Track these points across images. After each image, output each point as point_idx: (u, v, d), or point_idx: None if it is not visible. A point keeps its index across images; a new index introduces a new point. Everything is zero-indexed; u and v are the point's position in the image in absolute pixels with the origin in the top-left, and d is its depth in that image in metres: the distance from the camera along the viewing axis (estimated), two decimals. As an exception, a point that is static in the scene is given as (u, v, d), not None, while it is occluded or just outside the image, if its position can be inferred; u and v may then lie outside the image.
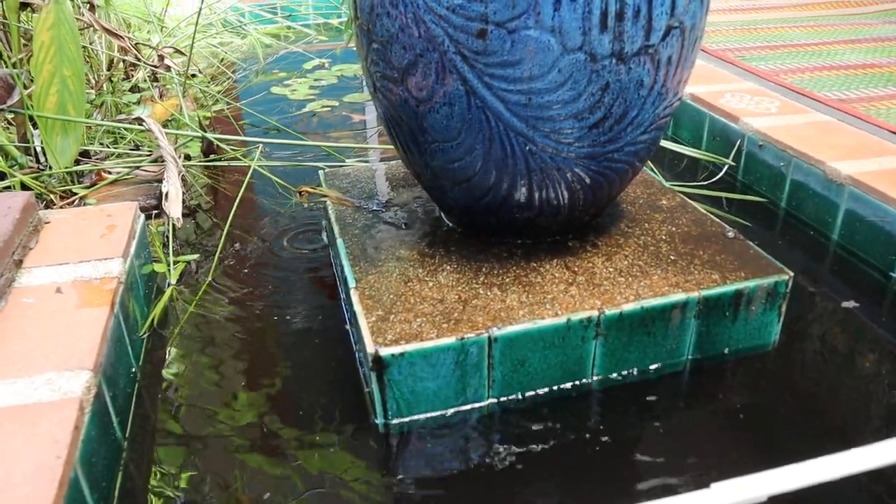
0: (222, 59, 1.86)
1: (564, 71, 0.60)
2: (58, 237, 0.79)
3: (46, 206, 0.98)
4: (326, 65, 1.81)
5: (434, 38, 0.60)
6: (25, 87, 1.02)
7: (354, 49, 2.00)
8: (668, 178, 1.14)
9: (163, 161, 1.07)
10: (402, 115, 0.68)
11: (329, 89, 1.63)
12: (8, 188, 0.97)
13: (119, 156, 1.14)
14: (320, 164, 1.09)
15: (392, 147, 1.23)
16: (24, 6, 1.16)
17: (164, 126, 1.23)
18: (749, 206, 1.09)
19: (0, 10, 1.18)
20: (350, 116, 1.46)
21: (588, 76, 0.60)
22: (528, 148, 0.64)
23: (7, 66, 1.15)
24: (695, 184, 1.12)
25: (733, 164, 1.17)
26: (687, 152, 1.21)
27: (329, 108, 1.50)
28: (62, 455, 0.49)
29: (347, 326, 0.77)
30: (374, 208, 0.84)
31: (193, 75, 1.56)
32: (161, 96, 1.41)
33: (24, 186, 0.97)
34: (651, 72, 0.63)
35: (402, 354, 0.61)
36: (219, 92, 1.60)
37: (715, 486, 0.47)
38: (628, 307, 0.68)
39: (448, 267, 0.73)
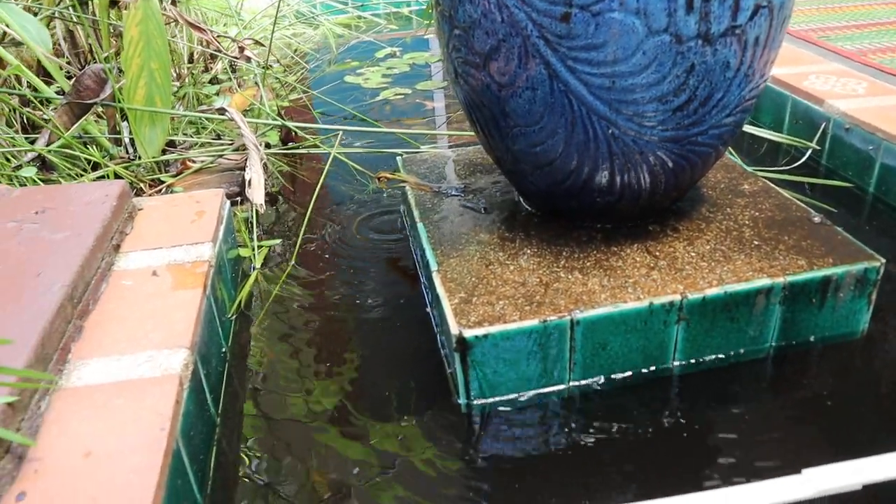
0: (296, 50, 1.90)
1: (649, 53, 0.59)
2: (151, 223, 0.82)
3: (137, 194, 1.02)
4: (398, 53, 1.83)
5: (517, 22, 0.60)
6: (116, 81, 1.07)
7: (424, 37, 2.01)
8: (747, 162, 1.11)
9: (245, 149, 1.11)
10: (484, 99, 0.68)
11: (401, 77, 1.65)
12: (102, 177, 1.02)
13: (202, 145, 1.18)
14: (396, 151, 1.11)
15: (466, 133, 1.25)
16: (112, 4, 1.21)
17: (243, 115, 1.27)
18: (834, 191, 1.05)
19: (91, 8, 1.24)
20: (423, 104, 1.48)
21: (673, 58, 0.60)
22: (610, 131, 0.64)
23: (99, 62, 1.20)
24: (776, 168, 1.09)
25: (817, 147, 1.13)
26: (768, 136, 1.18)
27: (402, 96, 1.51)
28: (166, 427, 0.52)
29: (428, 310, 0.78)
30: (453, 193, 0.85)
31: (269, 66, 1.60)
32: (239, 87, 1.45)
33: (117, 176, 1.01)
34: (738, 53, 0.62)
35: (485, 336, 0.62)
36: (294, 81, 1.64)
37: (806, 471, 0.47)
38: (711, 292, 0.67)
39: (528, 251, 0.73)
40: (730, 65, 0.62)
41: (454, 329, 0.62)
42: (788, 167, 1.11)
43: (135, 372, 0.58)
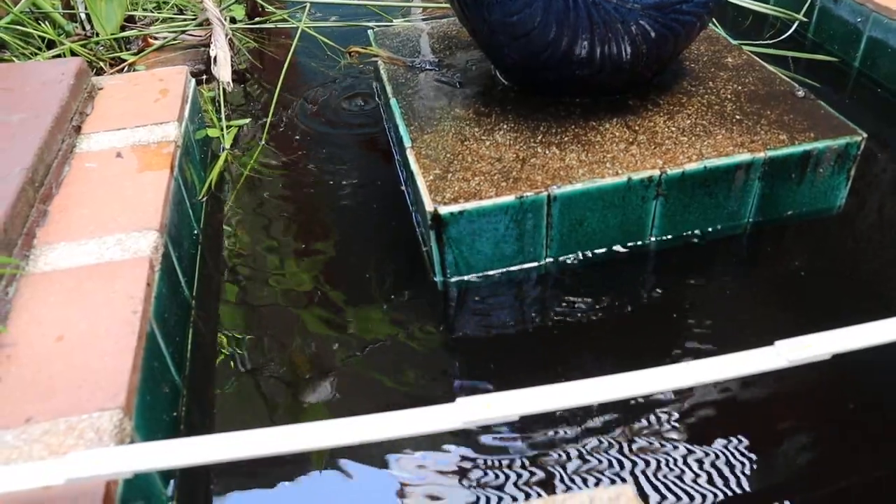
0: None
1: None
2: (112, 103, 0.79)
3: (97, 74, 0.97)
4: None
5: None
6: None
7: None
8: (732, 35, 1.08)
9: (209, 25, 1.05)
10: (458, -36, 0.64)
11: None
12: (58, 56, 0.96)
13: (164, 21, 1.12)
14: (368, 24, 1.05)
15: (440, 6, 1.19)
16: None
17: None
18: (819, 65, 1.03)
19: None
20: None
21: (660, -85, 0.56)
22: (591, -2, 0.61)
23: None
24: (761, 42, 1.06)
25: (804, 20, 1.09)
26: (754, 7, 1.13)
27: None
28: (138, 310, 0.51)
29: (402, 187, 0.77)
30: (427, 68, 0.82)
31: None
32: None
33: (74, 54, 0.96)
34: None
35: (461, 213, 0.61)
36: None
37: (779, 343, 0.47)
38: (691, 167, 0.66)
39: (505, 126, 0.71)
40: (719, -77, 0.59)
41: (429, 206, 0.61)
42: (774, 40, 1.08)
43: (103, 255, 0.56)
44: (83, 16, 1.05)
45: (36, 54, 0.96)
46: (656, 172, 0.65)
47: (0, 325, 0.50)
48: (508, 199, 0.62)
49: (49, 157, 0.66)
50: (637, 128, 0.70)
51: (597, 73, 0.69)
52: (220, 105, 0.92)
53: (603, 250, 0.69)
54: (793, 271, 0.68)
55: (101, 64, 0.99)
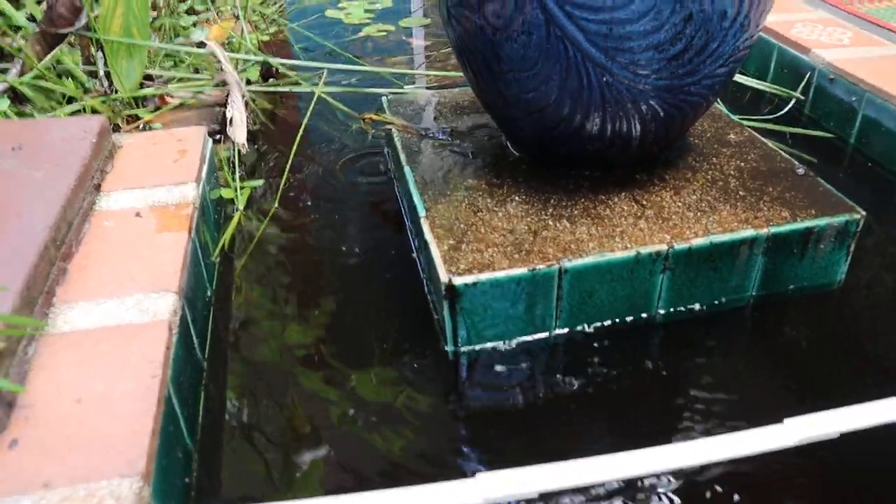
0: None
1: (648, 1, 0.58)
2: (132, 161, 0.80)
3: (114, 130, 0.99)
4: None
5: (514, -36, 0.59)
6: (91, 10, 1.02)
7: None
8: (731, 110, 1.11)
9: (225, 85, 1.08)
10: (477, 43, 0.67)
11: (384, 13, 1.60)
12: (77, 111, 0.99)
13: (180, 80, 1.15)
14: (380, 91, 1.08)
15: (451, 74, 1.22)
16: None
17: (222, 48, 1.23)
18: (815, 141, 1.06)
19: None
20: (406, 41, 1.44)
21: (672, 6, 0.59)
22: (605, 79, 0.63)
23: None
24: (759, 117, 1.09)
25: (801, 97, 1.13)
26: (753, 84, 1.17)
27: (385, 33, 1.48)
28: (157, 374, 0.52)
29: (413, 255, 0.78)
30: (440, 137, 0.84)
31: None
32: (217, 17, 1.40)
33: (93, 110, 0.98)
34: (735, 2, 0.61)
35: (474, 283, 0.62)
36: (272, 14, 1.59)
37: (788, 421, 0.48)
38: (697, 242, 0.68)
39: (517, 197, 0.73)
40: (727, 14, 0.62)
41: (444, 276, 0.62)
42: (772, 116, 1.11)
43: (123, 316, 0.57)
44: (103, 72, 1.07)
45: (56, 108, 0.99)
46: (664, 247, 0.67)
47: (18, 385, 0.50)
48: (521, 271, 0.63)
49: (70, 215, 0.67)
50: (645, 202, 0.72)
51: (607, 148, 0.71)
52: (234, 165, 0.94)
53: (610, 322, 0.70)
54: (795, 345, 0.70)
55: (119, 120, 1.02)
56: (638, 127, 0.68)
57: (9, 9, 1.03)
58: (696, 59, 0.63)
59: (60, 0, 0.99)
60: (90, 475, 0.44)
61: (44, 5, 1.13)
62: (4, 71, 1.01)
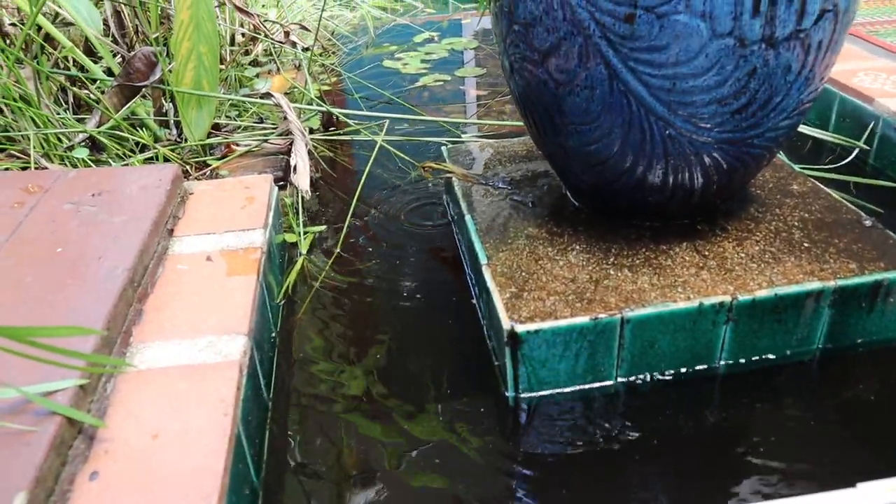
0: (333, 32, 1.90)
1: (712, 56, 0.59)
2: (202, 207, 0.84)
3: (184, 176, 1.03)
4: (436, 38, 1.83)
5: (579, 21, 0.60)
6: (165, 65, 1.08)
7: (463, 21, 2.00)
8: (792, 160, 1.10)
9: (289, 134, 1.12)
10: (540, 96, 0.68)
11: (440, 63, 1.65)
12: (150, 159, 1.03)
13: (245, 128, 1.19)
14: (437, 140, 1.11)
15: (507, 123, 1.25)
16: (163, -15, 1.22)
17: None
18: (881, 191, 1.04)
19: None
20: (462, 91, 1.48)
21: (735, 61, 0.60)
22: (667, 132, 0.64)
23: (150, 44, 1.21)
24: (822, 167, 1.08)
25: (866, 147, 1.12)
26: (818, 135, 1.17)
27: (441, 83, 1.52)
28: (229, 413, 0.53)
29: (473, 301, 0.79)
30: (500, 186, 0.86)
31: (307, 49, 1.61)
32: (279, 69, 1.46)
33: (165, 158, 1.03)
34: (800, 57, 0.62)
35: (536, 332, 0.63)
36: (332, 64, 1.65)
37: (861, 486, 0.47)
38: (761, 294, 0.67)
39: (577, 247, 0.73)
40: (791, 68, 0.62)
41: (506, 324, 0.63)
42: (834, 165, 1.10)
43: (196, 357, 0.59)
44: (173, 122, 1.13)
45: (129, 156, 1.03)
46: (727, 298, 0.66)
47: (99, 420, 0.52)
48: (583, 319, 0.63)
49: (146, 259, 0.70)
50: (707, 253, 0.72)
51: (668, 199, 0.71)
52: (298, 211, 0.97)
53: (672, 372, 0.69)
54: (865, 401, 0.68)
55: (188, 167, 1.06)
56: (700, 178, 0.69)
57: (89, 63, 1.09)
58: (759, 112, 0.64)
59: (137, 55, 1.04)
60: (166, 511, 0.46)
61: (119, 58, 1.20)
62: (82, 120, 1.07)
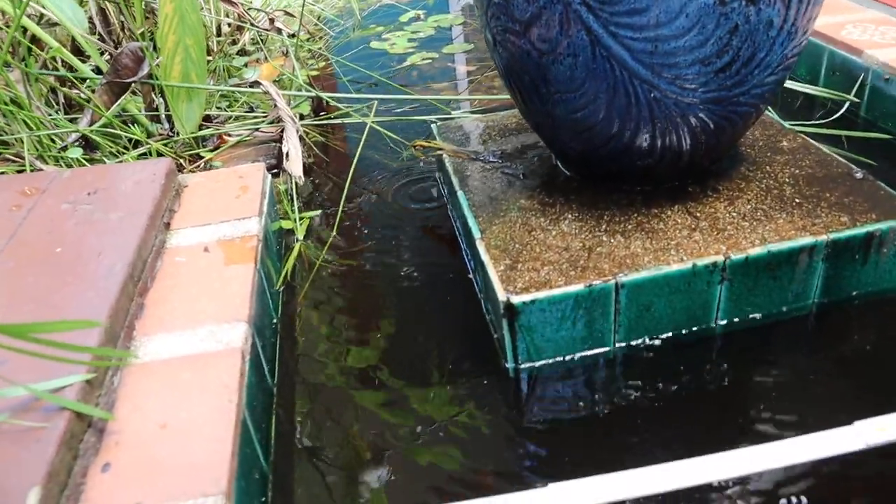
0: (319, 17, 1.89)
1: (692, 16, 0.59)
2: (197, 199, 0.84)
3: (178, 169, 1.04)
4: (422, 17, 1.82)
5: (557, -11, 0.60)
6: (152, 59, 1.08)
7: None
8: (783, 116, 1.10)
9: (280, 122, 1.12)
10: (524, 66, 0.68)
11: (427, 41, 1.64)
12: (144, 155, 1.04)
13: (236, 118, 1.19)
14: (428, 118, 1.11)
15: (496, 97, 1.25)
16: (144, -21, 1.21)
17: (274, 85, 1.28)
18: (873, 144, 1.04)
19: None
20: (450, 67, 1.47)
21: (716, 20, 0.60)
22: (652, 95, 0.64)
23: (136, 39, 1.21)
24: (813, 122, 1.08)
25: (856, 100, 1.12)
26: (805, 90, 1.16)
27: (429, 61, 1.51)
28: (234, 399, 0.54)
29: (470, 275, 0.80)
30: (491, 160, 0.86)
31: (293, 35, 1.60)
32: (266, 57, 1.46)
33: (158, 153, 1.03)
34: (781, 11, 0.62)
35: (532, 302, 0.63)
36: (319, 49, 1.64)
37: (858, 423, 0.48)
38: (754, 251, 0.67)
39: (569, 215, 0.74)
40: (773, 23, 0.62)
41: (502, 296, 0.64)
42: (825, 120, 1.10)
43: (198, 346, 0.60)
44: (164, 116, 1.13)
45: (123, 153, 1.04)
46: (720, 258, 0.67)
47: (108, 413, 0.53)
48: (578, 287, 0.64)
49: (145, 253, 0.71)
50: (698, 214, 0.73)
51: (657, 162, 0.72)
52: (292, 198, 0.97)
53: (669, 334, 0.70)
54: (862, 351, 0.69)
55: (182, 160, 1.06)
56: (688, 140, 0.69)
57: (77, 63, 1.09)
58: (743, 70, 0.64)
59: (125, 51, 1.04)
60: (178, 495, 0.47)
61: (106, 55, 1.20)
62: (74, 120, 1.07)
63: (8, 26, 1.12)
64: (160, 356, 0.60)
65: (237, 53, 1.49)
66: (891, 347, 0.69)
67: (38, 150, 1.01)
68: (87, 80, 1.16)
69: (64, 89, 1.12)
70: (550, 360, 0.68)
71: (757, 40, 0.62)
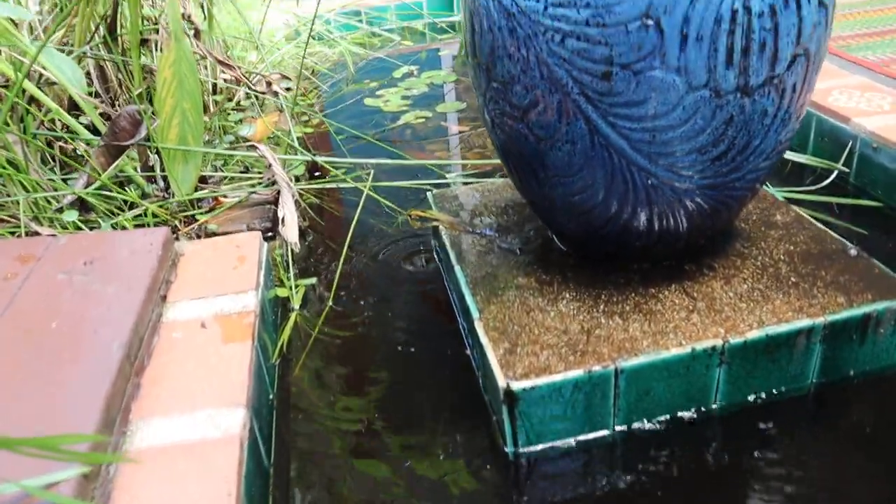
0: (314, 71, 1.91)
1: (689, 108, 0.60)
2: (193, 269, 0.84)
3: (172, 232, 1.04)
4: (415, 73, 1.84)
5: (557, 79, 0.61)
6: (150, 122, 1.09)
7: (439, 54, 2.02)
8: (775, 182, 1.12)
9: (275, 183, 1.12)
10: (522, 150, 0.69)
11: (421, 99, 1.66)
12: (139, 216, 1.04)
13: (231, 179, 1.20)
14: (424, 183, 1.12)
15: (491, 161, 1.26)
16: (143, 42, 1.22)
17: (267, 140, 1.29)
18: (864, 211, 1.06)
19: (120, 45, 1.26)
20: (444, 126, 1.49)
21: (712, 111, 0.61)
22: (649, 181, 0.65)
23: (131, 97, 1.22)
24: (803, 189, 1.10)
25: (845, 169, 1.13)
26: (795, 158, 1.18)
27: (423, 120, 1.53)
28: (232, 492, 0.54)
29: (468, 351, 0.80)
30: (487, 233, 0.86)
31: (288, 89, 1.62)
32: (261, 111, 1.47)
33: (154, 215, 1.03)
34: (775, 100, 0.63)
35: (532, 388, 0.63)
36: (313, 104, 1.66)
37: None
38: (752, 335, 0.68)
39: (567, 295, 0.74)
40: (767, 112, 0.63)
41: (502, 382, 0.63)
42: (816, 186, 1.11)
43: (196, 433, 0.59)
44: (160, 177, 1.13)
45: (118, 213, 1.04)
46: (719, 342, 0.67)
47: (102, 509, 0.52)
48: (577, 373, 0.64)
49: (142, 330, 0.70)
50: (696, 294, 0.73)
51: (655, 243, 0.72)
52: (288, 265, 0.97)
53: (668, 416, 0.70)
54: (860, 432, 0.69)
55: (177, 222, 1.06)
56: (684, 222, 0.70)
57: (75, 125, 1.10)
58: (738, 157, 0.65)
59: (122, 114, 1.05)
60: None
61: (102, 110, 1.20)
62: (69, 180, 1.07)
63: (5, 86, 1.12)
64: (158, 442, 0.59)
65: (233, 109, 1.50)
66: (889, 426, 0.69)
67: (33, 211, 1.01)
68: (78, 135, 1.16)
69: (59, 154, 1.12)
70: (551, 444, 0.68)
71: (752, 129, 0.63)
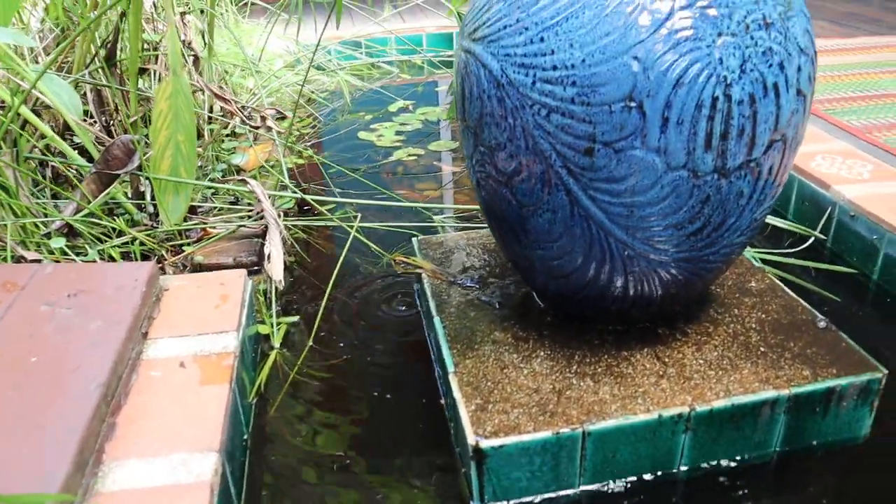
0: (310, 100, 1.94)
1: (667, 186, 0.62)
2: (177, 306, 0.85)
3: (158, 261, 1.05)
4: (410, 107, 1.87)
5: (541, 151, 0.63)
6: (143, 152, 1.10)
7: (436, 89, 2.05)
8: (754, 243, 1.14)
9: (263, 217, 1.14)
10: (504, 212, 0.71)
11: (414, 135, 1.68)
12: (126, 244, 1.05)
13: (220, 209, 1.21)
14: (411, 227, 1.14)
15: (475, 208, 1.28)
16: (142, 71, 1.24)
17: (259, 168, 1.31)
18: (839, 277, 1.08)
19: (119, 72, 1.27)
20: (436, 166, 1.51)
21: (690, 190, 0.63)
22: (626, 252, 0.67)
23: (125, 123, 1.23)
24: (781, 251, 1.12)
25: (822, 236, 1.16)
26: (775, 223, 1.21)
27: (415, 157, 1.55)
28: (199, 542, 0.54)
29: (442, 400, 0.81)
30: (468, 284, 0.88)
31: (284, 117, 1.64)
32: (255, 139, 1.49)
33: (142, 244, 1.04)
34: (752, 182, 0.65)
35: (501, 447, 0.65)
36: (307, 135, 1.68)
37: None
38: (718, 404, 0.70)
39: (542, 353, 0.76)
40: (743, 193, 0.66)
41: (471, 439, 0.65)
42: (794, 249, 1.14)
43: (168, 476, 0.60)
44: (150, 204, 1.14)
45: (105, 240, 1.05)
46: (686, 409, 0.69)
47: (69, 553, 0.53)
48: (546, 434, 0.65)
49: (121, 369, 0.71)
50: (666, 359, 0.75)
51: (630, 307, 0.74)
52: (271, 302, 0.98)
53: (633, 478, 0.71)
54: (819, 500, 0.70)
55: (163, 251, 1.07)
56: (659, 290, 0.72)
57: (69, 151, 1.11)
58: (714, 233, 0.67)
59: (116, 143, 1.06)
60: None
61: (93, 135, 1.22)
62: (57, 206, 1.08)
63: (0, 108, 1.13)
64: (129, 485, 0.60)
65: (226, 137, 1.52)
66: (849, 497, 0.71)
67: (21, 235, 1.02)
68: (68, 157, 1.17)
69: (49, 184, 1.13)
70: (517, 501, 0.69)
71: (728, 208, 0.66)
